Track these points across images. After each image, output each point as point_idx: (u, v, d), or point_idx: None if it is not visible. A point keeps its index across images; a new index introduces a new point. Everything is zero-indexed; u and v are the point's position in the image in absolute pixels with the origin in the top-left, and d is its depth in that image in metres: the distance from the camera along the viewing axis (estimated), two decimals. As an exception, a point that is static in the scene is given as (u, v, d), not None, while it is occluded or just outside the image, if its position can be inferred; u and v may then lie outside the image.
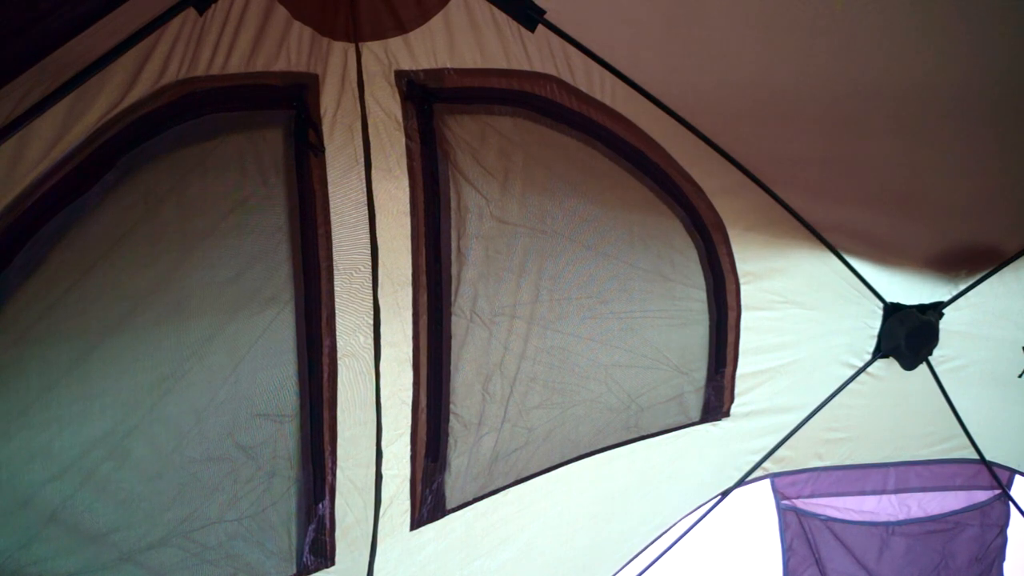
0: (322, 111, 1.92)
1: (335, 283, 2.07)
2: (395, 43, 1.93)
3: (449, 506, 2.48)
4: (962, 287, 3.09)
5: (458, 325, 2.29)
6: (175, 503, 1.95)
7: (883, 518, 3.59)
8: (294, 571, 2.23)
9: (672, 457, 3.00)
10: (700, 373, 2.89)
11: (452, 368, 2.32)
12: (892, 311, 3.08)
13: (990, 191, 2.72)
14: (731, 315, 2.83)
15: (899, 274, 3.02)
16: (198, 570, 2.04)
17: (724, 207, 2.64)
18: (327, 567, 2.29)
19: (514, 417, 2.50)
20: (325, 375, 2.12)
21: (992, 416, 3.44)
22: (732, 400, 2.99)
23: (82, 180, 1.63)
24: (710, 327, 2.84)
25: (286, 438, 2.10)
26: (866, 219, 2.81)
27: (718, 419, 3.01)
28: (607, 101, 2.25)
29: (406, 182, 2.09)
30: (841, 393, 3.21)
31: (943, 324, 3.13)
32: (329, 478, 2.20)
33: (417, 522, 2.45)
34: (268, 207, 1.93)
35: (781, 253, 2.84)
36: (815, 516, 3.52)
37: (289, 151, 1.91)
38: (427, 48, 1.96)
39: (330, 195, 2.00)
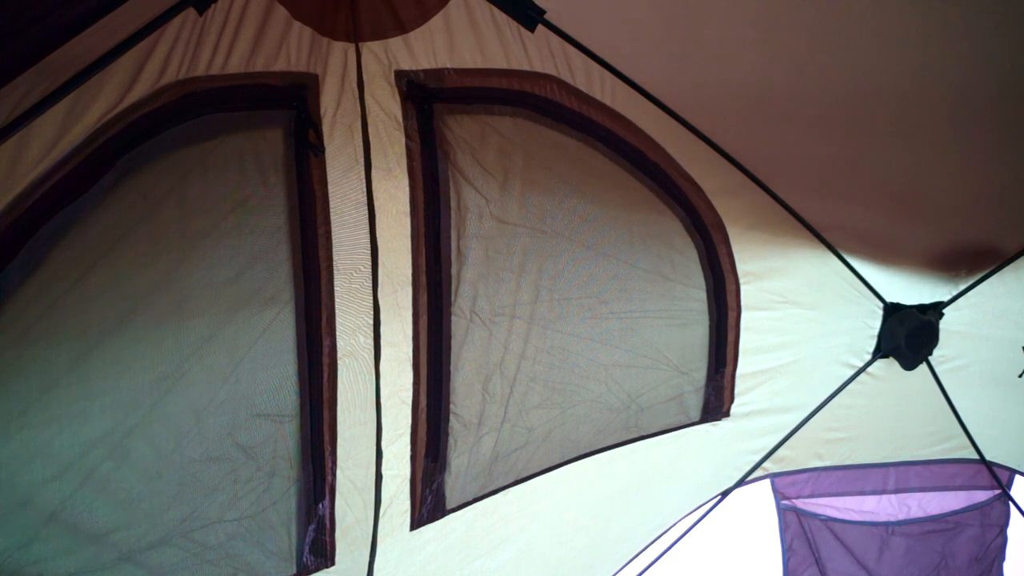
0: (322, 111, 1.92)
1: (335, 283, 2.07)
2: (395, 43, 1.92)
3: (449, 506, 2.48)
4: (962, 287, 3.09)
5: (458, 325, 2.29)
6: (175, 503, 1.95)
7: (883, 518, 3.59)
8: (294, 571, 2.23)
9: (672, 457, 3.00)
10: (700, 373, 2.89)
11: (452, 368, 2.32)
12: (892, 311, 3.08)
13: (990, 191, 2.72)
14: (731, 315, 2.83)
15: (899, 274, 3.02)
16: (198, 570, 2.04)
17: (724, 207, 2.64)
18: (327, 567, 2.29)
19: (514, 417, 2.50)
20: (325, 375, 2.12)
21: (992, 416, 3.44)
22: (732, 400, 2.99)
23: (82, 180, 1.63)
24: (710, 327, 2.84)
25: (286, 438, 2.10)
26: (866, 219, 2.81)
27: (718, 419, 3.01)
28: (607, 101, 2.25)
29: (406, 182, 2.09)
30: (841, 393, 3.21)
31: (943, 324, 3.13)
32: (329, 478, 2.20)
33: (417, 522, 2.45)
34: (268, 207, 1.92)
35: (781, 253, 2.83)
36: (815, 516, 3.52)
37: (289, 151, 1.91)
38: (427, 48, 1.96)
39: (330, 195, 2.00)
